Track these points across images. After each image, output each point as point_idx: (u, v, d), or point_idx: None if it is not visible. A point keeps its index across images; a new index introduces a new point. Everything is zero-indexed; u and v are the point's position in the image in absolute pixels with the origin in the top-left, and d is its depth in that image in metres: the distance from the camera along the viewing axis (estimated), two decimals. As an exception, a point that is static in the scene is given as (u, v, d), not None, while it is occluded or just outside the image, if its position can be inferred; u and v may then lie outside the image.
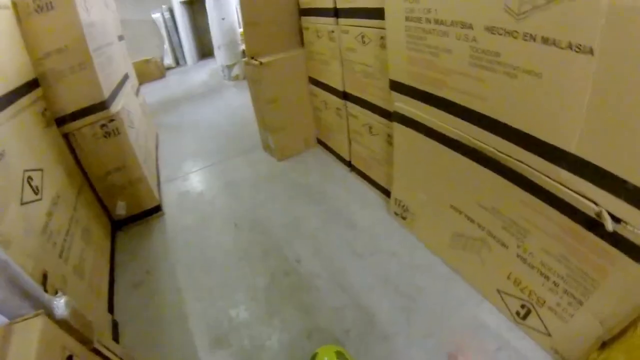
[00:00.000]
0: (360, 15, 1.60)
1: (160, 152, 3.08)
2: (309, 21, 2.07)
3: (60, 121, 1.68)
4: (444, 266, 1.55)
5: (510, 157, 1.05)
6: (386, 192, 1.96)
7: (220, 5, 4.71)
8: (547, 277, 1.09)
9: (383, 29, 1.44)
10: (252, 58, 2.20)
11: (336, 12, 1.79)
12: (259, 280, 1.65)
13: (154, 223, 2.15)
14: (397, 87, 1.45)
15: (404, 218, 1.75)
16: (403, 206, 1.73)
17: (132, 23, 5.90)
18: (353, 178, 2.25)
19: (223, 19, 4.74)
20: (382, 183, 1.98)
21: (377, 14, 1.46)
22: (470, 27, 1.01)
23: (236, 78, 5.01)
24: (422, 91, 1.32)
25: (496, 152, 1.08)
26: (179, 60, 6.73)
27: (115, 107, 1.85)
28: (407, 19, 1.23)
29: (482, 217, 1.26)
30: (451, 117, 1.22)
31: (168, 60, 6.52)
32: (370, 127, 1.88)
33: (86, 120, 1.73)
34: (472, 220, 1.32)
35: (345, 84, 1.96)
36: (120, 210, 2.04)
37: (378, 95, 1.72)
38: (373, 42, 1.59)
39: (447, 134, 1.27)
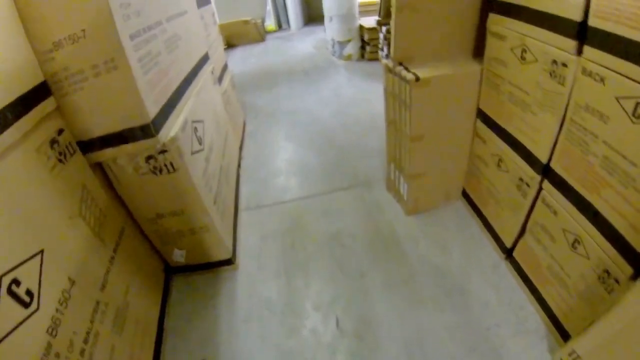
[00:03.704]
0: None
1: (245, 152, 2.59)
2: (510, 25, 1.33)
3: (86, 146, 1.17)
4: None
5: None
6: (554, 320, 1.33)
7: (339, -33, 4.05)
8: None
9: None
10: (400, 64, 1.55)
11: (582, 32, 1.04)
12: None
13: (222, 277, 1.67)
14: None
15: (575, 376, 1.11)
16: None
17: (233, -23, 5.51)
18: (507, 273, 1.55)
19: (341, -15, 4.10)
20: (556, 309, 1.33)
21: None
22: None
23: (348, 58, 4.38)
24: None
25: None
26: (281, 24, 6.27)
27: (170, 130, 1.27)
28: None
29: None
30: None
31: (269, 23, 6.06)
32: (577, 241, 1.17)
33: (121, 149, 1.19)
34: None
35: (555, 155, 1.24)
36: (177, 257, 1.59)
37: (623, 211, 0.98)
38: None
39: None
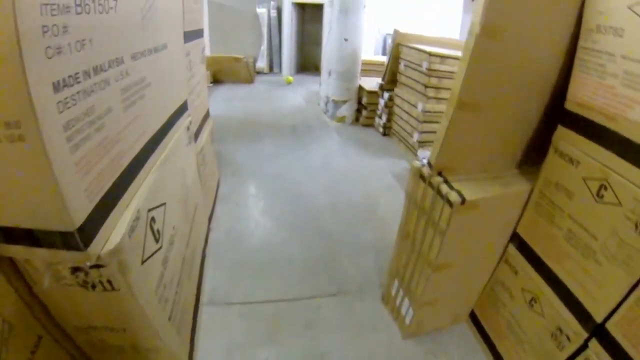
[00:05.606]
0: None
1: (215, 223, 2.31)
2: (588, 149, 1.10)
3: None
4: None
5: None
6: None
7: (347, 22, 3.98)
8: None
9: None
10: (440, 174, 1.31)
11: None
12: None
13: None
14: None
15: None
16: None
17: (231, 11, 5.50)
18: None
19: (346, 40, 4.02)
20: None
21: None
22: None
23: (341, 120, 4.26)
24: None
25: None
26: (273, 67, 6.18)
27: (112, 233, 0.91)
28: None
29: None
30: None
31: (261, 64, 5.98)
32: None
33: (33, 252, 0.83)
34: None
35: (616, 318, 1.05)
36: (116, 371, 1.27)
37: None
38: None
39: None
